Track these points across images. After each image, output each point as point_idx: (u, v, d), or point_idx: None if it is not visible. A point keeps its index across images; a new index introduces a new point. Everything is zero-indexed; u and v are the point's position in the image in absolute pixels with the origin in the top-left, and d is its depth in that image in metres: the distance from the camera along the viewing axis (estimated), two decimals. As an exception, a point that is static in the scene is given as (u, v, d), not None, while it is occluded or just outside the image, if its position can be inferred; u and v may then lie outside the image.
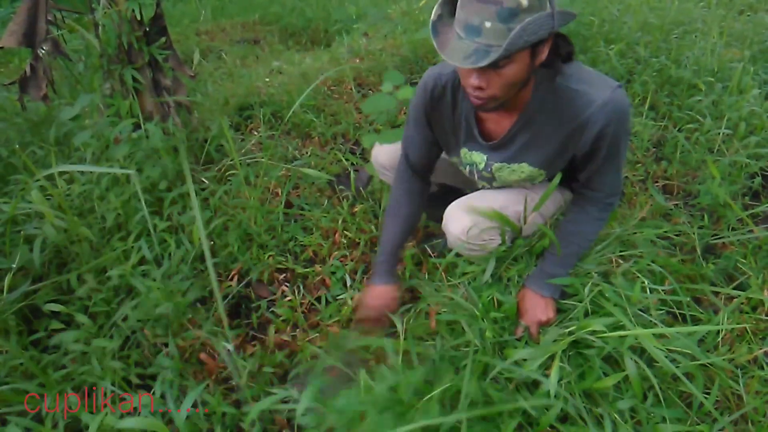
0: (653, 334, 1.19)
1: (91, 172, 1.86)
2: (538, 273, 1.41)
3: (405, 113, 2.72)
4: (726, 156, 2.27)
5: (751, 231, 1.82)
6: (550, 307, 1.37)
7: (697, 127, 2.51)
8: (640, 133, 2.58)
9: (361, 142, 2.27)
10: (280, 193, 2.11)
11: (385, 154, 1.71)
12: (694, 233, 1.87)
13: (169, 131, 2.05)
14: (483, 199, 1.45)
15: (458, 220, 1.42)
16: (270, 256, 1.81)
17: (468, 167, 1.48)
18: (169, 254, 1.67)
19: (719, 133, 2.37)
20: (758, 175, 2.20)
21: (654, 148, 2.56)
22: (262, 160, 2.12)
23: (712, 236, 1.89)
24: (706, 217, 2.00)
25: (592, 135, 1.23)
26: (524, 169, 1.38)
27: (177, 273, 1.61)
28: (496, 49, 1.03)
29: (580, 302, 1.34)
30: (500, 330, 1.35)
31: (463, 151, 1.45)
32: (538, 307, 1.36)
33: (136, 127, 1.97)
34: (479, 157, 1.42)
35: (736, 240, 1.82)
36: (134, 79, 2.06)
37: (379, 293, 1.48)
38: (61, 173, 1.91)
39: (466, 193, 1.55)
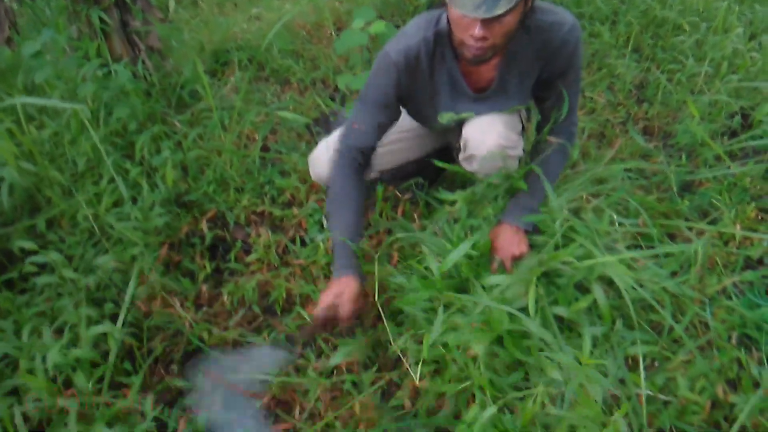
0: (623, 264, 1.20)
1: (60, 117, 1.81)
2: (513, 207, 1.42)
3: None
4: (707, 95, 2.25)
5: (728, 167, 1.83)
6: (524, 242, 1.37)
7: (680, 67, 2.49)
8: (623, 75, 2.55)
9: (345, 106, 2.22)
10: (257, 138, 2.07)
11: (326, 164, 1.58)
12: (670, 171, 1.87)
13: (140, 74, 2.00)
14: (490, 119, 1.44)
15: (488, 132, 1.41)
16: (246, 198, 1.79)
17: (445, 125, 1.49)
18: (142, 198, 1.65)
19: (701, 73, 2.35)
20: (738, 114, 2.19)
21: (636, 90, 2.54)
22: (238, 104, 2.08)
23: (688, 173, 1.89)
24: (684, 156, 2.01)
25: (567, 53, 1.32)
26: (512, 109, 1.44)
27: (152, 211, 1.59)
28: None
29: (552, 237, 1.34)
30: (474, 266, 1.36)
31: (448, 115, 1.45)
32: (512, 242, 1.36)
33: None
34: (468, 116, 1.45)
35: (712, 177, 1.83)
36: (102, 21, 1.99)
37: (338, 288, 1.27)
38: (30, 119, 1.86)
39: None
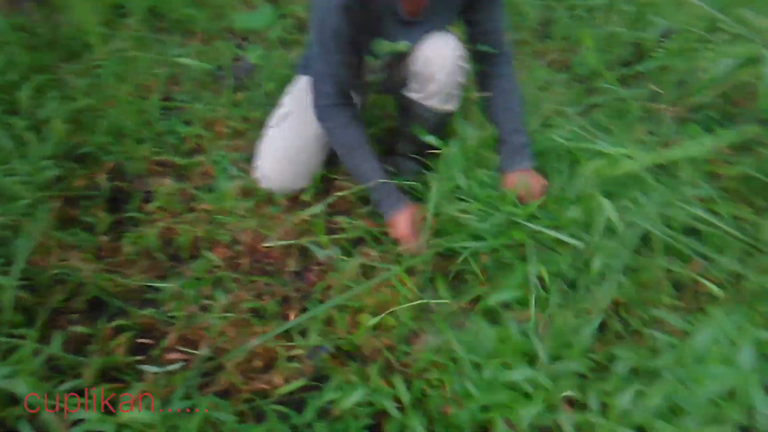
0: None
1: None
2: (511, 152, 1.52)
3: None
4: (605, 28, 2.34)
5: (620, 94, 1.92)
6: (539, 178, 1.48)
7: (581, 2, 2.56)
8: (527, 13, 2.61)
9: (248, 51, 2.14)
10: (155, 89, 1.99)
11: (271, 165, 1.61)
12: (570, 102, 1.95)
13: (21, 24, 1.86)
14: (439, 35, 1.48)
15: (444, 45, 1.45)
16: (147, 149, 1.73)
17: (388, 58, 1.50)
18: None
19: (599, 7, 2.44)
20: (631, 45, 2.29)
21: (540, 27, 2.60)
22: (134, 53, 1.98)
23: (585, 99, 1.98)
24: (581, 85, 2.09)
25: None
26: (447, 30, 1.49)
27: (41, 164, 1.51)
28: None
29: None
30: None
31: (385, 44, 1.45)
32: (534, 183, 1.45)
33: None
34: (403, 44, 1.46)
35: (604, 102, 1.92)
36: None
37: (407, 219, 1.44)
38: None
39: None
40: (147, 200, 1.62)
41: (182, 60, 1.85)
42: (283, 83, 1.99)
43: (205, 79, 2.12)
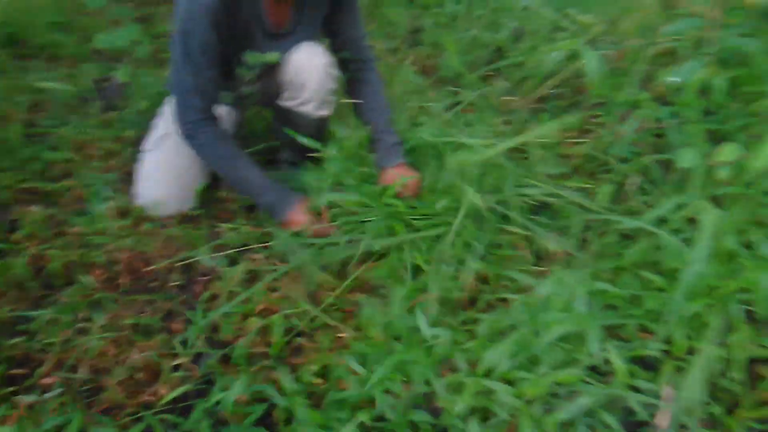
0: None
1: None
2: (388, 148, 1.60)
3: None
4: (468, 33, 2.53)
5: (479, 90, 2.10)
6: (413, 171, 1.57)
7: (442, 10, 2.75)
8: (398, 22, 2.76)
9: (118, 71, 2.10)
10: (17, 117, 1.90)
11: (154, 189, 1.60)
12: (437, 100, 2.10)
13: None
14: (308, 45, 1.55)
15: (314, 54, 1.53)
16: (8, 177, 1.65)
17: (260, 70, 1.54)
18: None
19: (460, 14, 2.63)
20: (490, 47, 2.50)
21: (410, 35, 2.76)
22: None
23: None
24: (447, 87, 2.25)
25: None
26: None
27: None
28: None
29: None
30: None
31: (256, 56, 1.49)
32: (408, 176, 1.54)
33: None
34: (273, 56, 1.51)
35: (466, 99, 2.08)
36: None
37: (303, 208, 1.48)
38: None
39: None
40: (12, 230, 1.54)
41: (44, 84, 1.79)
42: (155, 101, 1.98)
43: (73, 103, 2.05)
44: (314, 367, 1.22)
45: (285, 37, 1.53)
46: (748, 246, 1.25)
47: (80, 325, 1.31)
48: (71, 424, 1.01)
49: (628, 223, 1.36)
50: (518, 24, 2.47)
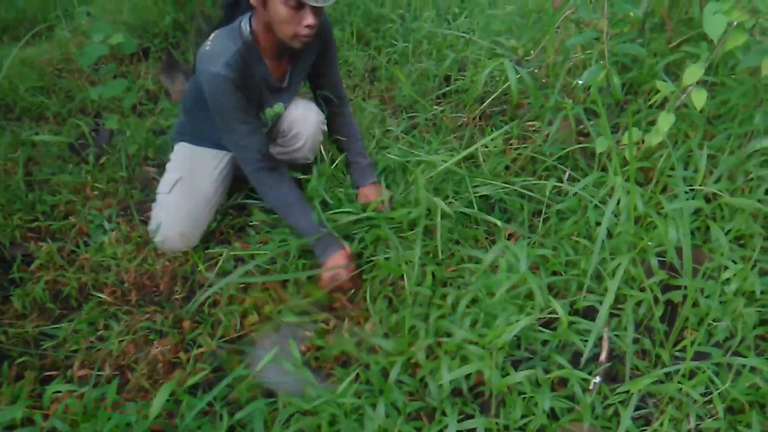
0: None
1: None
2: (362, 170, 1.85)
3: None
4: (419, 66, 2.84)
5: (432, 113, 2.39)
6: (384, 189, 1.82)
7: (394, 50, 3.07)
8: (355, 62, 3.06)
9: (104, 120, 2.31)
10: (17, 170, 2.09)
11: (171, 228, 1.73)
12: (397, 124, 2.38)
13: None
14: (303, 102, 1.82)
15: (309, 111, 1.79)
16: (17, 218, 1.83)
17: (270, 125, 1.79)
18: None
19: (409, 50, 2.95)
20: (440, 78, 2.81)
21: (367, 73, 3.06)
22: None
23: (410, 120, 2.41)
24: (404, 113, 2.54)
25: (328, 32, 1.73)
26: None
27: None
28: None
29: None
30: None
31: (269, 110, 1.74)
32: (380, 193, 1.78)
33: None
34: (279, 107, 1.75)
35: (422, 122, 2.36)
36: None
37: (342, 257, 1.57)
38: None
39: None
40: (28, 263, 1.72)
41: (39, 137, 1.98)
42: (143, 145, 2.20)
43: (66, 154, 2.25)
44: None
45: (283, 90, 1.73)
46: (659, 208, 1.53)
47: (100, 333, 1.48)
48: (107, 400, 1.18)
49: (561, 205, 1.63)
50: (458, 54, 2.79)
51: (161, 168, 2.07)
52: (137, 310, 1.58)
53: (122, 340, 1.45)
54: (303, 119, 1.80)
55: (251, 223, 1.88)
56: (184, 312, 1.58)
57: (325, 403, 1.24)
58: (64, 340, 1.47)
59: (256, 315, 1.55)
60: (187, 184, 1.79)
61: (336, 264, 1.56)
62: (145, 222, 1.86)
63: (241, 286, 1.67)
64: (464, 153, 1.79)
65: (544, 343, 1.39)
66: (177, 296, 1.66)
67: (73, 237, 1.84)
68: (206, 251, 1.80)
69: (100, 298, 1.60)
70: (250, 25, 1.55)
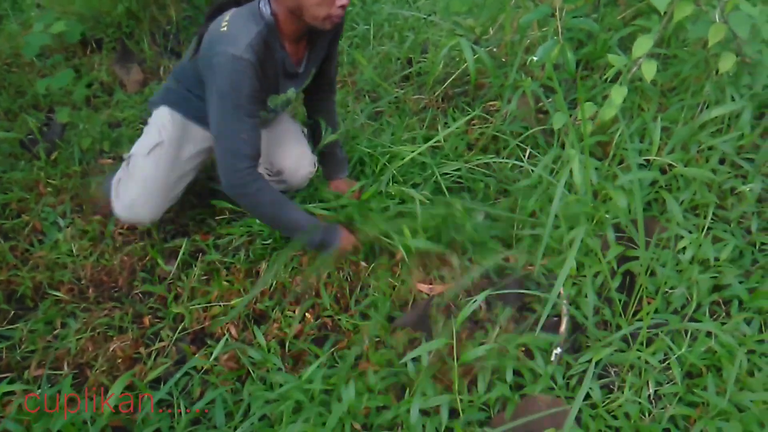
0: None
1: None
2: (338, 163, 1.85)
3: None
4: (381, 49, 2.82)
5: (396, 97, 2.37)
6: (351, 181, 1.85)
7: (355, 33, 3.03)
8: (316, 47, 3.02)
9: (56, 114, 2.23)
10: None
11: (139, 194, 1.62)
12: (360, 110, 2.35)
13: None
14: (292, 140, 1.79)
15: (302, 161, 1.77)
16: (-34, 220, 1.77)
17: (272, 113, 1.67)
18: None
19: (370, 34, 2.92)
20: (402, 60, 2.79)
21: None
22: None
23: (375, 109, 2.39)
24: (367, 97, 2.51)
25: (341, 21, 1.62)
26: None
27: None
28: None
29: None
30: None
31: (280, 96, 1.62)
32: (350, 186, 1.79)
33: None
34: (291, 92, 1.65)
35: (386, 106, 2.35)
36: None
37: (346, 231, 1.64)
38: None
39: None
40: (-22, 265, 1.66)
41: (-12, 134, 1.91)
42: (98, 139, 2.14)
43: (17, 151, 2.17)
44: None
45: (299, 76, 1.61)
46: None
47: (57, 331, 1.44)
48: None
49: (523, 183, 1.64)
50: (419, 36, 2.77)
51: (117, 161, 2.02)
52: (95, 307, 1.54)
53: (80, 338, 1.41)
54: (294, 171, 1.78)
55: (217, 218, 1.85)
56: (143, 307, 1.55)
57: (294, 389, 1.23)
58: (20, 341, 1.42)
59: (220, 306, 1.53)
60: (168, 152, 1.63)
61: (349, 239, 1.63)
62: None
63: (204, 277, 1.64)
64: (430, 143, 1.79)
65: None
66: (137, 291, 1.63)
67: (27, 235, 1.79)
68: (165, 245, 1.77)
69: (57, 296, 1.55)
70: (270, 7, 1.45)
